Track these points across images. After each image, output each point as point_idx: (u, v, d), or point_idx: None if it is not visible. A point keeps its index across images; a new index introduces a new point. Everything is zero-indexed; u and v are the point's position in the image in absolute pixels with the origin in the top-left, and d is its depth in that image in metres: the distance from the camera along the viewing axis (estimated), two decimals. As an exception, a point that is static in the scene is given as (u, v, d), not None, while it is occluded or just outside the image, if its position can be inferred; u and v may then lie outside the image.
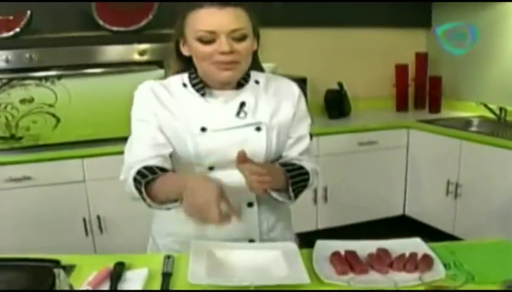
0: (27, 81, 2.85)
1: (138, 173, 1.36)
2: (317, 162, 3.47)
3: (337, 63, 3.91)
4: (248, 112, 1.48)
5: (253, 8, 1.46)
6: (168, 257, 1.43)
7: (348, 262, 1.38)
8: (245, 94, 1.50)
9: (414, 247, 1.45)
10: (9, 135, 2.87)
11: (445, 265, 1.35)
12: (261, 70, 1.59)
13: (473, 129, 3.48)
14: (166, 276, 1.35)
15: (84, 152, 2.93)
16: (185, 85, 1.50)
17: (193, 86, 1.49)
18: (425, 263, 1.35)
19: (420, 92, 4.00)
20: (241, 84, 1.50)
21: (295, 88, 1.58)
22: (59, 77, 2.89)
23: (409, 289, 1.25)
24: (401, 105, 3.99)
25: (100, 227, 3.00)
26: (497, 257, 1.44)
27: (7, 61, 2.80)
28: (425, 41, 4.17)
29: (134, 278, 1.35)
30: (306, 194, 3.73)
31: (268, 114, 1.50)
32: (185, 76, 1.51)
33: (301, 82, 3.47)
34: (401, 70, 3.95)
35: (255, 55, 1.52)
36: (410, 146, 3.57)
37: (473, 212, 3.11)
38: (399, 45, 4.06)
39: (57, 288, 0.97)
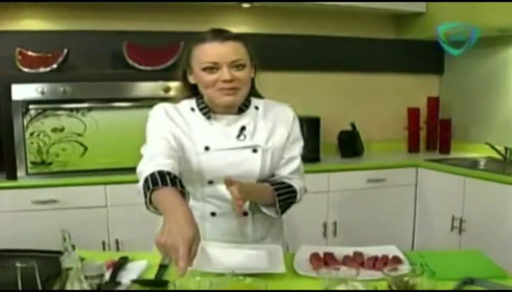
0: (60, 112, 3.12)
1: (152, 175, 1.45)
2: (328, 197, 3.63)
3: (351, 105, 4.10)
4: (247, 135, 1.69)
5: (249, 41, 1.70)
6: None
7: (324, 260, 1.54)
8: (246, 119, 1.71)
9: (387, 251, 1.60)
10: (40, 160, 3.13)
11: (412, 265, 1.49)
12: (259, 96, 1.80)
13: (479, 168, 3.60)
14: (162, 267, 1.53)
15: (108, 179, 3.13)
16: (193, 109, 1.72)
17: (200, 110, 1.71)
18: (393, 262, 1.50)
19: (431, 134, 4.15)
20: (241, 109, 1.71)
21: (289, 113, 1.78)
22: (89, 109, 3.17)
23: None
24: (413, 147, 4.13)
25: (117, 249, 3.18)
26: (464, 262, 1.56)
27: (43, 92, 3.08)
28: (437, 86, 4.34)
29: (133, 268, 1.53)
30: (316, 228, 3.91)
31: (264, 138, 1.71)
32: (193, 102, 1.73)
33: (315, 122, 3.69)
34: (413, 113, 4.12)
35: (252, 82, 1.73)
36: (418, 184, 3.70)
37: (476, 246, 3.17)
38: (412, 89, 4.24)
39: (64, 251, 1.15)
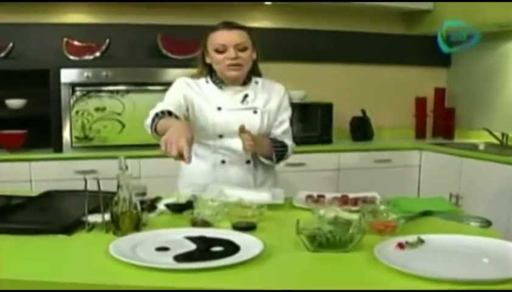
0: (102, 94, 3.57)
1: (161, 111, 1.97)
2: (338, 175, 3.98)
3: (363, 94, 4.44)
4: (249, 101, 2.21)
5: (250, 30, 2.20)
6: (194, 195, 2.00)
7: (317, 199, 1.92)
8: (248, 90, 2.23)
9: (368, 195, 1.97)
10: (83, 136, 3.57)
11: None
12: (260, 75, 2.30)
13: (477, 150, 3.93)
14: (189, 202, 1.91)
15: (142, 154, 3.47)
16: (207, 82, 2.23)
17: (213, 82, 2.21)
18: (370, 200, 1.87)
19: (437, 122, 4.48)
20: (245, 82, 2.22)
21: (281, 89, 2.32)
22: (127, 91, 3.60)
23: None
24: (420, 133, 4.48)
25: (150, 215, 3.59)
26: (429, 203, 1.91)
27: (88, 77, 3.53)
28: (445, 77, 4.67)
29: (165, 201, 1.91)
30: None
31: (262, 103, 2.22)
32: (208, 77, 2.23)
33: (328, 107, 4.05)
34: (421, 103, 4.46)
35: (254, 63, 2.24)
36: (422, 165, 4.07)
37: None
38: (420, 80, 4.57)
39: (119, 169, 1.55)
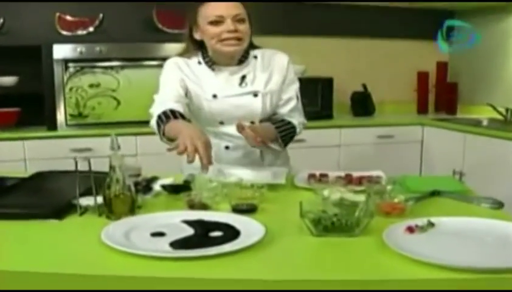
0: (96, 69, 3.48)
1: (164, 112, 1.82)
2: (339, 151, 3.92)
3: (363, 68, 4.36)
4: (248, 83, 1.99)
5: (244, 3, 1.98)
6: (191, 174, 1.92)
7: (319, 178, 1.84)
8: (246, 69, 2.00)
9: (373, 174, 1.89)
10: (77, 113, 3.49)
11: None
12: (257, 47, 2.07)
13: (480, 126, 3.84)
14: (186, 182, 1.84)
15: (138, 131, 3.41)
16: (199, 62, 2.02)
17: (206, 63, 2.00)
18: (375, 180, 1.79)
19: (439, 97, 4.40)
20: (241, 60, 2.00)
21: (284, 60, 2.06)
22: (122, 67, 3.51)
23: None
24: (422, 108, 4.40)
25: (147, 194, 3.53)
26: (437, 182, 1.84)
27: (81, 52, 3.43)
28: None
29: (161, 181, 1.83)
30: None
31: (263, 84, 2.00)
32: (199, 56, 2.02)
33: (328, 82, 3.97)
34: (423, 77, 4.36)
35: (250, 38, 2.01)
36: (424, 141, 3.99)
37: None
38: (422, 54, 4.47)
39: (111, 150, 1.47)
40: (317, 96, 3.93)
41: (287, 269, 1.18)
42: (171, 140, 1.75)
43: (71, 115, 3.48)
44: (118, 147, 1.48)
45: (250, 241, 1.25)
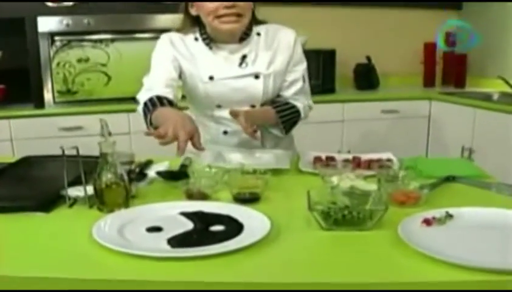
0: (84, 43, 3.28)
1: (150, 99, 1.65)
2: (342, 126, 3.76)
3: (367, 39, 4.15)
4: (248, 63, 1.79)
5: None
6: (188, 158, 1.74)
7: (326, 163, 1.67)
8: (247, 48, 1.80)
9: (383, 156, 1.73)
10: (66, 89, 3.31)
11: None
12: (262, 22, 1.86)
13: (491, 100, 3.66)
14: (183, 167, 1.67)
15: (131, 107, 3.25)
16: (196, 39, 1.81)
17: (203, 40, 1.80)
18: (386, 165, 1.62)
19: (447, 69, 4.20)
20: (243, 38, 1.79)
21: (291, 37, 1.85)
22: (112, 40, 3.32)
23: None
24: (429, 81, 4.20)
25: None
26: (452, 165, 1.68)
27: (68, 25, 3.23)
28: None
29: (157, 167, 1.67)
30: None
31: (265, 64, 1.80)
32: (196, 32, 1.81)
33: (330, 54, 3.78)
34: (430, 48, 4.16)
35: (253, 12, 1.79)
36: (431, 115, 3.80)
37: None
38: (429, 24, 4.24)
39: (101, 137, 1.31)
40: (318, 69, 3.73)
41: (296, 269, 1.05)
42: (154, 125, 1.60)
43: (59, 92, 3.30)
44: (109, 133, 1.31)
45: (254, 237, 1.12)
